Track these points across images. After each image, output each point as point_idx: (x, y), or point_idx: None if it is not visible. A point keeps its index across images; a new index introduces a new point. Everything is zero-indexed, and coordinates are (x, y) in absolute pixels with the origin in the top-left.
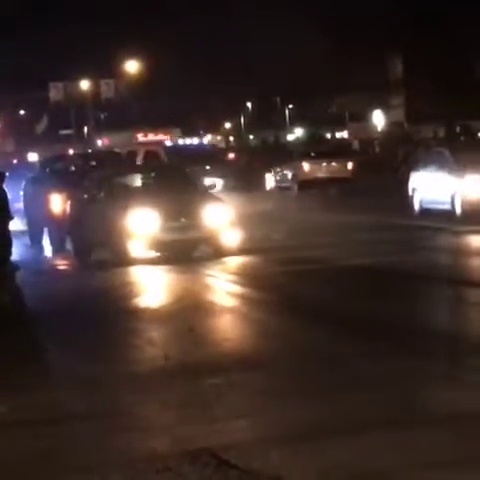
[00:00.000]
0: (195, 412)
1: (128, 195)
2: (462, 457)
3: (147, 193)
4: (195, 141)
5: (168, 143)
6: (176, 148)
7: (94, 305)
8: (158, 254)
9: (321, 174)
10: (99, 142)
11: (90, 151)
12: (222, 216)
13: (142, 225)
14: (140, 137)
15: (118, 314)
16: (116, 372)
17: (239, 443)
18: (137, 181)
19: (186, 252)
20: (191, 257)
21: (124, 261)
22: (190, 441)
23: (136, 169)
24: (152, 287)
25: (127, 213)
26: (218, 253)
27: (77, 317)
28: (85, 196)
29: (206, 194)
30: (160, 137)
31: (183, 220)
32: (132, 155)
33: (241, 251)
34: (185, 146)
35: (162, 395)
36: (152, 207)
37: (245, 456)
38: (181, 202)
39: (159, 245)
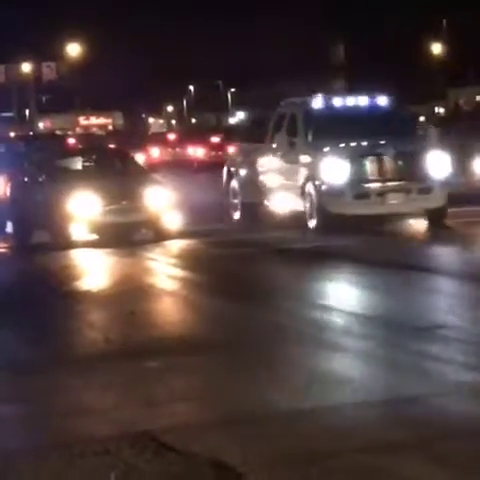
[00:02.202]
0: (135, 395)
1: (69, 177)
2: (404, 440)
3: (88, 175)
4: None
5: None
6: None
7: (33, 288)
8: (98, 237)
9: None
10: (41, 124)
11: (32, 133)
12: (163, 199)
13: (83, 208)
14: (82, 120)
15: (58, 297)
16: (55, 355)
17: (178, 426)
18: (78, 163)
19: (127, 235)
20: (132, 240)
21: (64, 244)
22: (129, 424)
23: (77, 151)
24: (92, 270)
25: (68, 196)
26: (159, 236)
27: (15, 300)
28: (25, 178)
29: (147, 177)
30: (101, 120)
31: (124, 203)
32: None
33: (182, 234)
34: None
35: (102, 378)
36: (93, 189)
37: (184, 439)
38: (122, 185)
39: (100, 228)
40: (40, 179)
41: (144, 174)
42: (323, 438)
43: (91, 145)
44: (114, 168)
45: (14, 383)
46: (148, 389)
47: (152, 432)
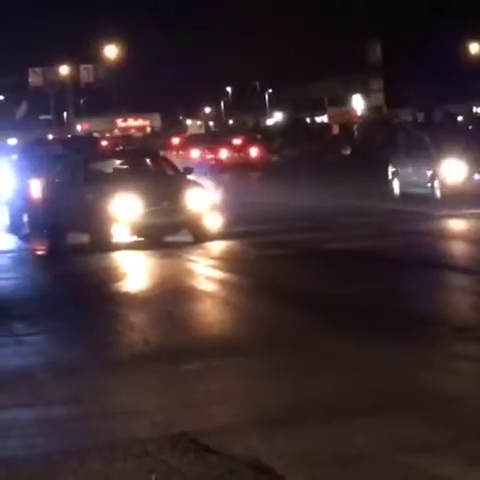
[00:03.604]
0: (173, 397)
1: (108, 179)
2: (439, 441)
3: (127, 177)
4: None
5: None
6: None
7: (75, 290)
8: (139, 238)
9: None
10: (79, 127)
11: (69, 136)
12: (203, 200)
13: (124, 209)
14: (120, 122)
15: (98, 299)
16: (95, 357)
17: (218, 428)
18: (115, 166)
19: (168, 236)
20: (172, 241)
21: (105, 246)
22: (169, 426)
23: (114, 154)
24: (132, 272)
25: (109, 197)
26: (200, 237)
27: (56, 303)
28: (61, 181)
29: (185, 178)
30: (139, 122)
31: (165, 204)
32: None
33: (222, 235)
34: None
35: (141, 380)
36: (133, 191)
37: (224, 441)
38: (162, 186)
39: (141, 229)
40: (78, 181)
41: (181, 176)
42: (361, 439)
43: (128, 147)
44: (151, 170)
45: (55, 385)
46: (187, 391)
47: (191, 434)
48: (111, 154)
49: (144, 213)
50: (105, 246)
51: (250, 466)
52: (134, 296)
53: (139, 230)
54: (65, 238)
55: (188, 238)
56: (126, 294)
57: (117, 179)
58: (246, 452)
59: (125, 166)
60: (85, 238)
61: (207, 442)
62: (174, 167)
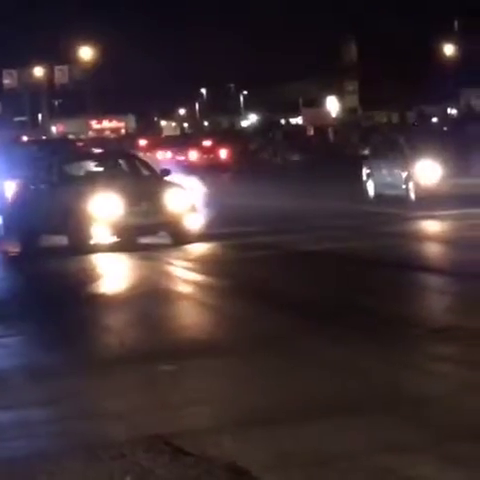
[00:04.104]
0: (150, 399)
1: (85, 180)
2: (419, 441)
3: (105, 178)
4: None
5: None
6: None
7: (51, 292)
8: (117, 239)
9: None
10: (53, 129)
11: (44, 137)
12: (183, 201)
13: (102, 210)
14: (94, 124)
15: (74, 301)
16: (72, 359)
17: (193, 430)
18: (93, 167)
19: (146, 237)
20: (150, 243)
21: (83, 247)
22: (145, 428)
23: (91, 155)
24: (109, 274)
25: (87, 198)
26: (179, 239)
27: (31, 305)
28: (36, 182)
29: (163, 179)
30: (114, 124)
31: (144, 204)
32: None
33: (202, 237)
34: None
35: (117, 382)
36: (111, 191)
37: (199, 443)
38: (140, 186)
39: (120, 230)
40: (54, 182)
41: (159, 177)
42: (338, 440)
43: (104, 148)
44: (129, 171)
45: (31, 388)
46: (162, 393)
47: (167, 436)
48: (87, 155)
49: (123, 213)
50: (83, 247)
51: (226, 468)
52: (110, 298)
53: (117, 231)
54: (39, 240)
55: (166, 240)
56: (102, 296)
57: (94, 179)
58: (222, 454)
59: (102, 167)
60: (62, 240)
61: (182, 444)
62: (151, 168)
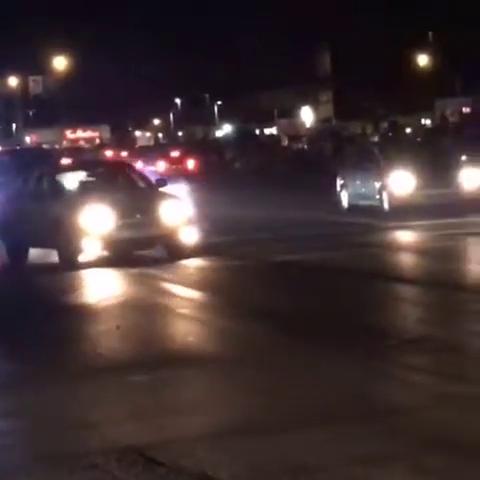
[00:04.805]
0: (123, 409)
1: (74, 192)
2: (393, 452)
3: (94, 189)
4: None
5: None
6: None
7: (34, 305)
8: (109, 253)
9: None
10: (27, 139)
11: (18, 147)
12: (179, 212)
13: (93, 222)
14: (69, 134)
15: (57, 314)
16: (46, 370)
17: (166, 440)
18: (78, 177)
19: (140, 251)
20: (144, 258)
21: (73, 261)
22: (118, 439)
23: (75, 165)
24: (96, 288)
25: (77, 210)
26: (174, 253)
27: (13, 315)
28: (17, 194)
29: (158, 190)
30: (88, 134)
31: (138, 216)
32: None
33: (197, 252)
34: None
35: (91, 392)
36: (103, 203)
37: (172, 453)
38: (133, 198)
39: (112, 244)
40: (42, 194)
41: (154, 188)
42: (313, 451)
43: (88, 158)
44: (122, 181)
45: (1, 398)
46: (136, 403)
47: (140, 446)
48: (78, 165)
49: (116, 226)
50: (73, 262)
51: (197, 478)
52: (89, 310)
53: (109, 244)
54: (26, 254)
55: (162, 254)
56: (83, 308)
57: (85, 191)
58: (194, 464)
59: (93, 177)
60: (50, 253)
61: (155, 455)
62: (146, 178)
